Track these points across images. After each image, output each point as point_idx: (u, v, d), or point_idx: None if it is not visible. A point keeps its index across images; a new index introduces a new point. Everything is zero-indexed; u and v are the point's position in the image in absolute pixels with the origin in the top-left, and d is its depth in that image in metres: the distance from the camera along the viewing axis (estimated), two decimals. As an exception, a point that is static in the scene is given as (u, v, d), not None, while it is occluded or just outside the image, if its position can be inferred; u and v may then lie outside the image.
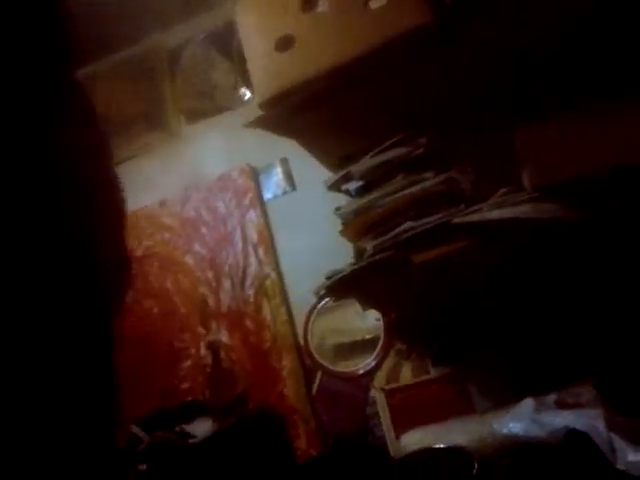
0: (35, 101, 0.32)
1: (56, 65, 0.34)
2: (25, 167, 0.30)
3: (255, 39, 1.61)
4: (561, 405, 1.28)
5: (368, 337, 1.85)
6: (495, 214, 1.33)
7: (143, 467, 1.41)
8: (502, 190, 1.38)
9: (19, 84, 0.30)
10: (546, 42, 1.39)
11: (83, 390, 0.33)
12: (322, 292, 1.61)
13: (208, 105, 2.13)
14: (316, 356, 1.89)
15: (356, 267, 1.47)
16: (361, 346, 1.86)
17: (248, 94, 2.05)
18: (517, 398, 1.38)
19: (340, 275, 1.49)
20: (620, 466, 1.09)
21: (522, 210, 1.29)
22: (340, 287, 1.53)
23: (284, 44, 1.55)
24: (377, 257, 1.43)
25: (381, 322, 1.83)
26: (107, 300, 0.37)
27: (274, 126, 1.66)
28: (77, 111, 0.37)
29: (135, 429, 1.55)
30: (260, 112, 1.64)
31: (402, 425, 1.71)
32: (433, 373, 1.76)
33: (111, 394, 0.35)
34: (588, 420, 1.16)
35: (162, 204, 2.09)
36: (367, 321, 1.86)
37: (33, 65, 0.32)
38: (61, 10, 0.35)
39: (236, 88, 2.09)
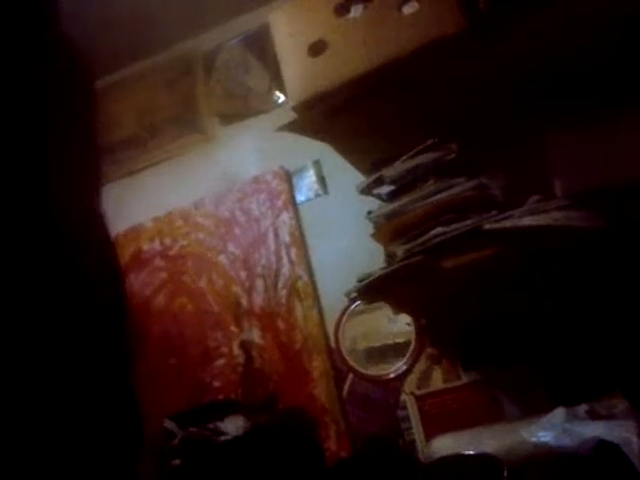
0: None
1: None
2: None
3: (288, 44, 1.62)
4: (593, 416, 1.27)
5: (399, 341, 1.85)
6: (526, 221, 1.32)
7: (176, 462, 1.44)
8: (534, 197, 1.37)
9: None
10: (579, 48, 1.37)
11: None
12: (354, 295, 1.62)
13: (242, 108, 2.15)
14: (347, 358, 1.90)
15: (386, 271, 1.47)
16: (392, 350, 1.86)
17: (282, 97, 2.06)
18: (548, 407, 1.36)
19: (371, 278, 1.49)
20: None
21: (553, 218, 1.27)
22: (371, 290, 1.54)
23: (317, 49, 1.56)
24: (407, 262, 1.43)
25: (412, 326, 1.83)
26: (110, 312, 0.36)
27: (307, 129, 1.67)
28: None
29: (169, 424, 1.59)
30: (293, 116, 1.65)
31: (432, 430, 1.71)
32: (464, 379, 1.76)
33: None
34: (620, 431, 1.15)
35: (197, 204, 2.13)
36: (398, 325, 1.86)
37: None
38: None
39: (270, 91, 2.11)
